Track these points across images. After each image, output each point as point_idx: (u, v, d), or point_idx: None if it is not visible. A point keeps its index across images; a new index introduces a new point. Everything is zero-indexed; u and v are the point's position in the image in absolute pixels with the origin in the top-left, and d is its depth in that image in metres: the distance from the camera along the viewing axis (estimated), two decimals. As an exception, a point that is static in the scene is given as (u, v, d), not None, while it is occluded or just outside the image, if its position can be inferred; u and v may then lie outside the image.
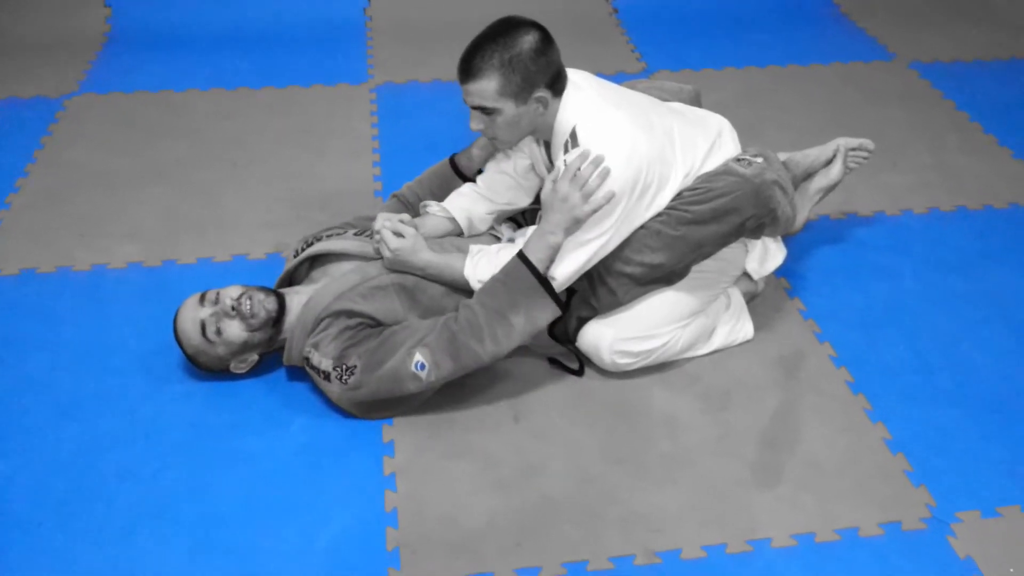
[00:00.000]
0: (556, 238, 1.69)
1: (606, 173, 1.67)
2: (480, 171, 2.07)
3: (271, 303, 1.81)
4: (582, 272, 1.79)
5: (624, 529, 1.64)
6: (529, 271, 1.69)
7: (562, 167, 1.71)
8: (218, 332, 1.79)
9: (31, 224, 2.40)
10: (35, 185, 2.55)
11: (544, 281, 1.71)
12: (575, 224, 1.69)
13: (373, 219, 1.94)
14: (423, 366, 1.71)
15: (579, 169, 1.67)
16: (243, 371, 1.88)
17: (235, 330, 1.79)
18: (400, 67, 3.18)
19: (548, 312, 1.73)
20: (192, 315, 1.80)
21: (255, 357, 1.87)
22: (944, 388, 1.94)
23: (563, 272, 1.76)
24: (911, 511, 1.68)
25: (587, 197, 1.66)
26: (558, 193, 1.68)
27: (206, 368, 1.86)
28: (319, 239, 1.98)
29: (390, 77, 3.13)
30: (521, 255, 1.71)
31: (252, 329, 1.80)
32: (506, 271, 1.72)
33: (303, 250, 1.97)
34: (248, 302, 1.79)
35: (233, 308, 1.78)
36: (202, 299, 1.81)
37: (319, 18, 3.44)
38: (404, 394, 1.76)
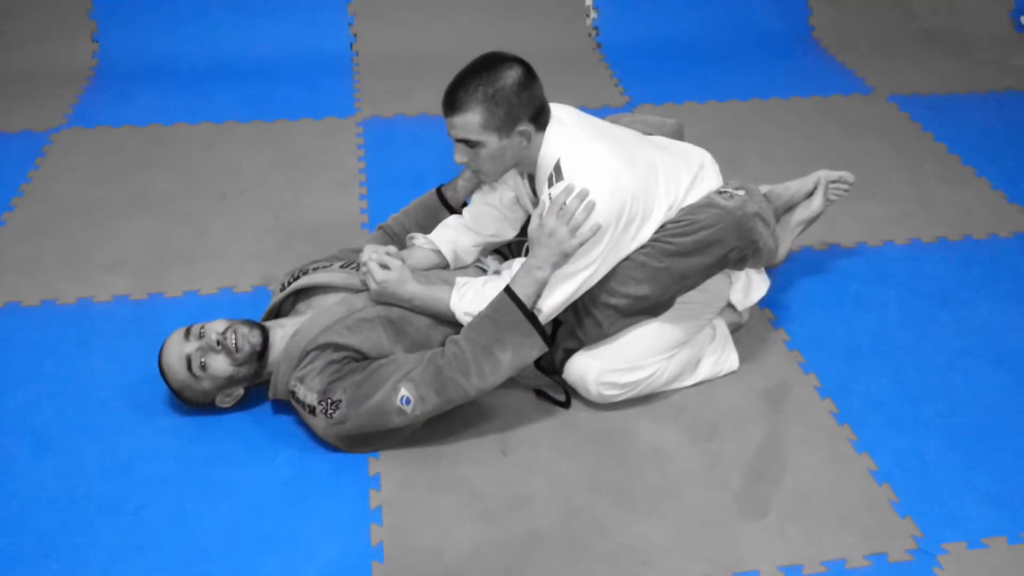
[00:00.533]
0: (543, 273, 1.70)
1: (591, 206, 1.69)
2: (466, 203, 2.09)
3: (255, 337, 1.81)
4: (568, 304, 1.80)
5: (611, 562, 1.63)
6: (516, 306, 1.70)
7: (547, 201, 1.72)
8: (203, 367, 1.78)
9: (16, 257, 2.39)
10: (21, 219, 2.55)
11: (531, 316, 1.71)
12: (563, 258, 1.70)
13: (359, 251, 1.94)
14: (408, 400, 1.71)
15: (565, 203, 1.68)
16: (228, 405, 1.87)
17: (220, 364, 1.79)
18: (386, 101, 3.21)
19: (535, 348, 1.73)
20: (177, 350, 1.80)
21: (240, 391, 1.86)
22: (928, 418, 1.95)
23: (549, 304, 1.77)
24: (897, 542, 1.68)
25: (574, 231, 1.68)
26: (545, 228, 1.69)
27: (191, 402, 1.85)
28: (305, 272, 1.99)
29: (377, 111, 3.15)
30: (508, 290, 1.71)
31: (237, 364, 1.79)
32: (493, 306, 1.72)
33: (289, 283, 1.97)
34: (233, 336, 1.78)
35: (218, 343, 1.78)
36: (187, 334, 1.81)
37: (306, 53, 3.47)
38: (389, 428, 1.75)
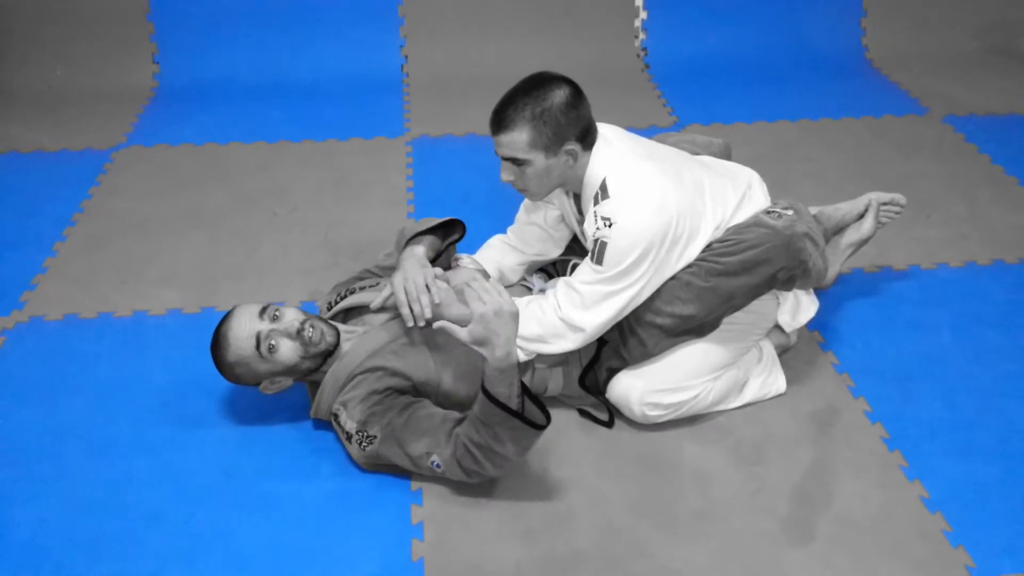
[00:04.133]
0: (511, 360, 1.58)
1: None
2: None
3: (331, 336, 1.82)
4: (613, 323, 1.80)
5: (653, 584, 1.61)
6: (497, 407, 1.61)
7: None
8: (271, 349, 1.77)
9: (76, 271, 2.46)
10: (81, 234, 2.63)
11: (514, 412, 1.62)
12: (513, 323, 1.57)
13: (392, 268, 1.95)
14: (439, 466, 1.71)
15: (468, 286, 1.61)
16: (271, 392, 1.85)
17: (289, 351, 1.78)
18: (435, 121, 3.25)
19: (533, 436, 1.66)
20: (249, 326, 1.78)
21: (289, 382, 1.85)
22: (983, 445, 1.90)
23: (593, 322, 1.77)
24: (949, 573, 1.63)
25: (494, 302, 1.57)
26: (485, 323, 1.55)
27: (237, 379, 1.83)
28: (352, 291, 2.01)
29: (425, 130, 3.19)
30: (485, 391, 1.61)
31: (306, 356, 1.80)
32: (480, 409, 1.65)
33: (336, 302, 2.00)
34: (311, 330, 1.79)
35: (299, 331, 1.78)
36: (262, 312, 1.79)
37: (359, 74, 3.53)
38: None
